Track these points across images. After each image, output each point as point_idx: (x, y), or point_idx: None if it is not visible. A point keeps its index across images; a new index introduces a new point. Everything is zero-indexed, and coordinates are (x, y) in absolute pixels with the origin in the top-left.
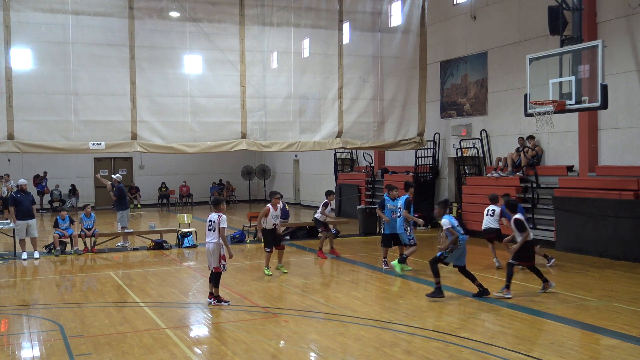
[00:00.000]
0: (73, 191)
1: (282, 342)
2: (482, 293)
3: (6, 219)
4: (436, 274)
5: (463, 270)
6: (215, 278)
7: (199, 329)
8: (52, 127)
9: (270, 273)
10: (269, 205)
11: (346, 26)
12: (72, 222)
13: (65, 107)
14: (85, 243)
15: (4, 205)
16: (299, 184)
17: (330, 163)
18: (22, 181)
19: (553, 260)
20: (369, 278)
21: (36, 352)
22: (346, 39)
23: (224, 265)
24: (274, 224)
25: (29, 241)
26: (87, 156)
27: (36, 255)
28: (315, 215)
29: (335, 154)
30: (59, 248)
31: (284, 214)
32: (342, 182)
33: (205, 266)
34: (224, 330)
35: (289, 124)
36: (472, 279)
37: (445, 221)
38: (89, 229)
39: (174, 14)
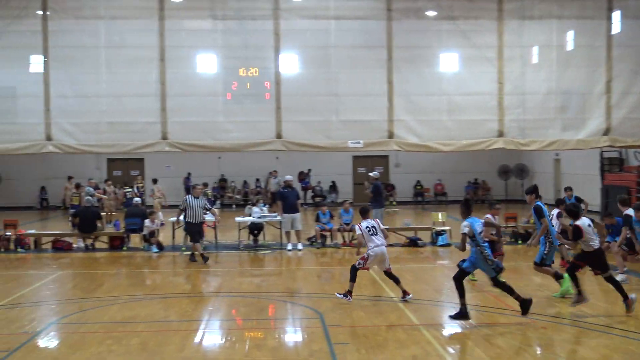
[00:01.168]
0: (333, 187)
1: (538, 349)
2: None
3: (274, 212)
4: None
5: None
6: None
7: (453, 328)
8: (315, 127)
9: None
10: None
11: (616, 15)
12: (332, 216)
13: (327, 108)
14: (343, 237)
15: (273, 199)
16: (560, 184)
17: (595, 162)
18: (288, 177)
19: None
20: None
21: (298, 337)
22: (615, 28)
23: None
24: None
25: (293, 233)
26: (346, 154)
27: (299, 246)
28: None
29: (601, 153)
30: (320, 241)
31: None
32: (609, 182)
33: None
34: (478, 332)
35: (550, 121)
36: None
37: None
38: (348, 224)
39: (431, 13)
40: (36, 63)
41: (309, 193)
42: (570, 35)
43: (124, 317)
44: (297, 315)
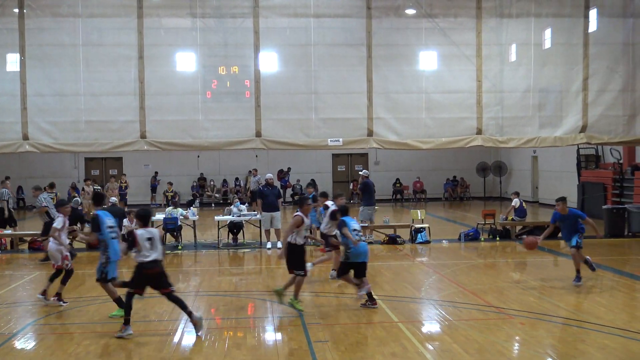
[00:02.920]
0: (313, 185)
1: (516, 345)
2: None
3: (253, 211)
4: None
5: None
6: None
7: (431, 325)
8: (294, 125)
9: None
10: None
11: (592, 13)
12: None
13: (307, 106)
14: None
15: (252, 198)
16: (538, 181)
17: (572, 159)
18: (268, 175)
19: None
20: (615, 284)
21: (278, 335)
22: (592, 26)
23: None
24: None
25: (273, 232)
26: (326, 152)
27: (279, 245)
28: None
29: (578, 150)
30: None
31: (521, 212)
32: (585, 179)
33: (438, 262)
34: (456, 328)
35: (528, 119)
36: None
37: None
38: None
39: (410, 11)
40: (13, 61)
41: (289, 191)
42: (547, 33)
43: (102, 317)
44: (276, 313)
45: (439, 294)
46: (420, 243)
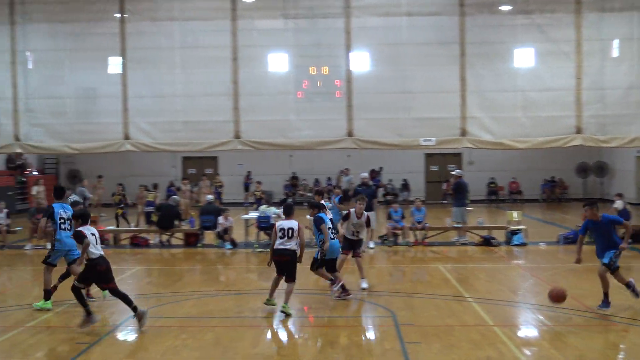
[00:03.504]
0: (405, 185)
1: (619, 353)
2: None
3: (346, 210)
4: None
5: None
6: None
7: (528, 329)
8: (386, 125)
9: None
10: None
11: None
12: (403, 215)
13: (399, 105)
14: (415, 235)
15: (344, 197)
16: None
17: None
18: (363, 175)
19: None
20: None
21: (370, 335)
22: None
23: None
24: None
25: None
26: (418, 152)
27: (371, 245)
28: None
29: None
30: (391, 239)
31: (625, 215)
32: None
33: (535, 265)
34: (555, 333)
35: (631, 117)
36: None
37: None
38: (419, 222)
39: (505, 8)
40: (114, 64)
41: (381, 191)
42: None
43: (198, 312)
44: (368, 313)
45: (536, 297)
46: (516, 245)
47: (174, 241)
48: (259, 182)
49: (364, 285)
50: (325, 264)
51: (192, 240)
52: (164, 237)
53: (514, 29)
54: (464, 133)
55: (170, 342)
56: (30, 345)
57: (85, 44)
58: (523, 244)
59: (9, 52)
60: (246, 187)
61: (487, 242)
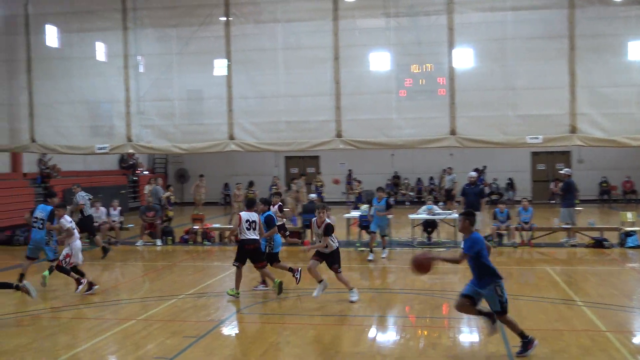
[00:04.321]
0: (510, 185)
1: None
2: None
3: (449, 210)
4: None
5: None
6: None
7: None
8: (490, 122)
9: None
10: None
11: None
12: (509, 215)
13: (503, 102)
14: (521, 236)
15: (447, 197)
16: None
17: None
18: (471, 174)
19: None
20: None
21: (474, 338)
22: None
23: None
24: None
25: None
26: (524, 150)
27: None
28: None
29: None
30: (496, 240)
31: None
32: None
33: None
34: None
35: None
36: None
37: None
38: (526, 223)
39: None
40: (220, 67)
41: (486, 190)
42: None
43: (300, 309)
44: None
45: None
46: (631, 247)
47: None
48: (358, 181)
49: (354, 298)
50: (270, 259)
51: (294, 238)
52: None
53: (627, 21)
54: (573, 130)
55: (272, 338)
56: (141, 337)
57: (192, 47)
58: (638, 246)
59: (122, 57)
60: (348, 186)
61: (598, 243)
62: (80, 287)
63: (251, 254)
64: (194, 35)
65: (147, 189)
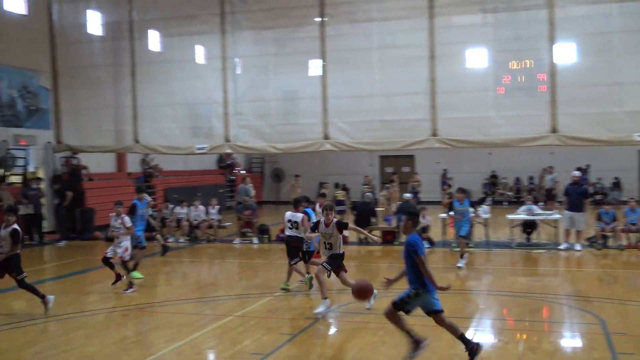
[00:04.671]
0: (616, 184)
1: None
2: None
3: (549, 210)
4: None
5: None
6: None
7: None
8: (594, 120)
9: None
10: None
11: None
12: (614, 216)
13: (608, 99)
14: (628, 238)
15: (547, 196)
16: None
17: None
18: (575, 173)
19: None
20: None
21: (577, 343)
22: None
23: None
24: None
25: (573, 233)
26: (630, 148)
27: (577, 247)
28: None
29: None
30: (600, 242)
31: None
32: None
33: None
34: None
35: None
36: None
37: None
38: (633, 224)
39: None
40: (314, 67)
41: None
42: None
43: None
44: (574, 319)
45: None
46: None
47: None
48: (448, 185)
49: (319, 310)
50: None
51: (389, 237)
52: (361, 235)
53: None
54: None
55: (368, 338)
56: (238, 333)
57: (288, 48)
58: None
59: (220, 59)
60: (444, 185)
61: None
62: (118, 283)
63: (294, 250)
64: (289, 37)
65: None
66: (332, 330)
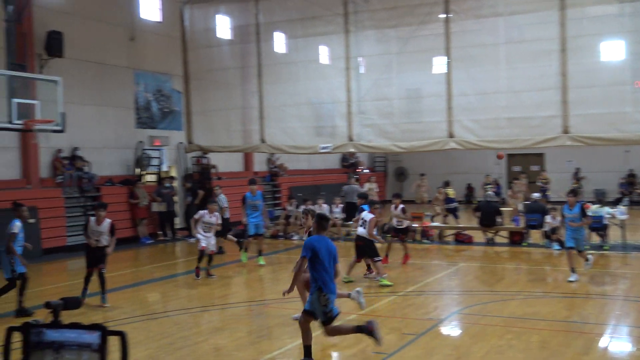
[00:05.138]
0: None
1: None
2: None
3: None
4: None
5: None
6: None
7: None
8: None
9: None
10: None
11: None
12: None
13: None
14: None
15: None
16: None
17: None
18: None
19: None
20: None
21: None
22: None
23: None
24: None
25: None
26: None
27: None
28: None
29: None
30: None
31: None
32: None
33: None
34: None
35: None
36: None
37: None
38: None
39: None
40: (439, 64)
41: None
42: None
43: (524, 313)
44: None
45: None
46: None
47: (498, 239)
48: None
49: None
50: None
51: (516, 238)
52: (489, 235)
53: None
54: None
55: (494, 341)
56: None
57: (411, 46)
58: None
59: (344, 59)
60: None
61: None
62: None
63: (360, 249)
64: (413, 35)
65: (367, 186)
66: (457, 332)
